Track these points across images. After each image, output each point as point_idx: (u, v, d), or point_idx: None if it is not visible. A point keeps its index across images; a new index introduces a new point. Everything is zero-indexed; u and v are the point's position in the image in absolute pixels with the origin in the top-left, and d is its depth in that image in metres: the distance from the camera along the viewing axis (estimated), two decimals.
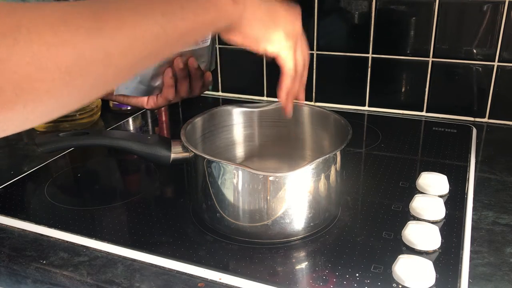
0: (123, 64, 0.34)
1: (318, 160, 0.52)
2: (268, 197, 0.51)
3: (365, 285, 0.48)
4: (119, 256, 0.54)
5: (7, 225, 0.60)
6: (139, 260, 0.53)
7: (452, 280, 0.48)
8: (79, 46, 0.30)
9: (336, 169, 0.55)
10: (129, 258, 0.53)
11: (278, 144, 0.70)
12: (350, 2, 0.91)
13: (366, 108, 0.98)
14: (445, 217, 0.58)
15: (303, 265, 0.52)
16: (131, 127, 0.94)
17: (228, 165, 0.52)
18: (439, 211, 0.58)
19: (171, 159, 0.58)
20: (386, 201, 0.63)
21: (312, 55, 0.97)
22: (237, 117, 0.68)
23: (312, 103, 1.01)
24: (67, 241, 0.57)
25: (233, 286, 0.49)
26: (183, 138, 0.57)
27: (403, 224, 0.56)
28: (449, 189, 0.64)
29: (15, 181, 0.71)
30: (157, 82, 0.65)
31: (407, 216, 0.59)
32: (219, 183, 0.53)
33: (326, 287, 0.48)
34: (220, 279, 0.50)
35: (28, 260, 0.54)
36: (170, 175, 0.72)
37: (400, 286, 0.47)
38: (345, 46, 0.95)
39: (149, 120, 0.97)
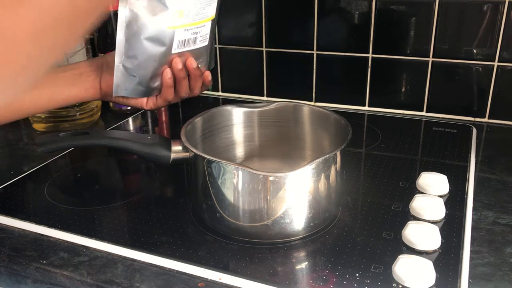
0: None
1: (318, 160, 0.52)
2: (268, 197, 0.51)
3: (365, 285, 0.48)
4: (119, 256, 0.54)
5: (7, 225, 0.60)
6: (139, 260, 0.53)
7: (452, 280, 0.48)
8: None
9: (336, 169, 0.55)
10: (129, 258, 0.53)
11: (278, 144, 0.70)
12: (350, 2, 0.91)
13: (366, 108, 0.98)
14: (445, 217, 0.58)
15: (303, 265, 0.52)
16: (131, 127, 0.94)
17: (228, 165, 0.52)
18: (439, 211, 0.58)
19: (171, 159, 0.58)
20: (386, 201, 0.63)
21: (312, 55, 0.97)
22: (237, 117, 0.68)
23: (312, 103, 1.01)
24: (67, 241, 0.57)
25: (233, 286, 0.49)
26: (183, 138, 0.57)
27: (403, 224, 0.56)
28: (449, 189, 0.64)
29: (15, 181, 0.71)
30: (156, 83, 0.65)
31: (407, 216, 0.59)
32: (219, 183, 0.53)
33: (326, 287, 0.48)
34: (220, 279, 0.50)
35: (28, 260, 0.54)
36: (170, 175, 0.72)
37: (400, 286, 0.47)
38: (345, 46, 0.95)
39: (149, 120, 0.97)
